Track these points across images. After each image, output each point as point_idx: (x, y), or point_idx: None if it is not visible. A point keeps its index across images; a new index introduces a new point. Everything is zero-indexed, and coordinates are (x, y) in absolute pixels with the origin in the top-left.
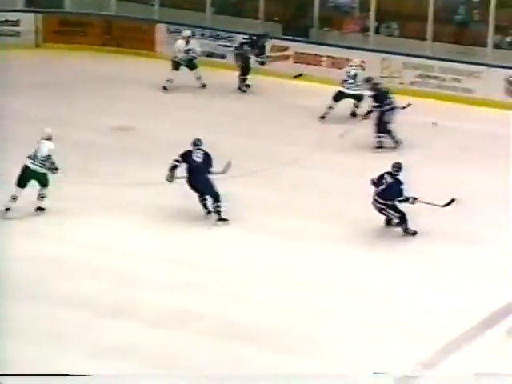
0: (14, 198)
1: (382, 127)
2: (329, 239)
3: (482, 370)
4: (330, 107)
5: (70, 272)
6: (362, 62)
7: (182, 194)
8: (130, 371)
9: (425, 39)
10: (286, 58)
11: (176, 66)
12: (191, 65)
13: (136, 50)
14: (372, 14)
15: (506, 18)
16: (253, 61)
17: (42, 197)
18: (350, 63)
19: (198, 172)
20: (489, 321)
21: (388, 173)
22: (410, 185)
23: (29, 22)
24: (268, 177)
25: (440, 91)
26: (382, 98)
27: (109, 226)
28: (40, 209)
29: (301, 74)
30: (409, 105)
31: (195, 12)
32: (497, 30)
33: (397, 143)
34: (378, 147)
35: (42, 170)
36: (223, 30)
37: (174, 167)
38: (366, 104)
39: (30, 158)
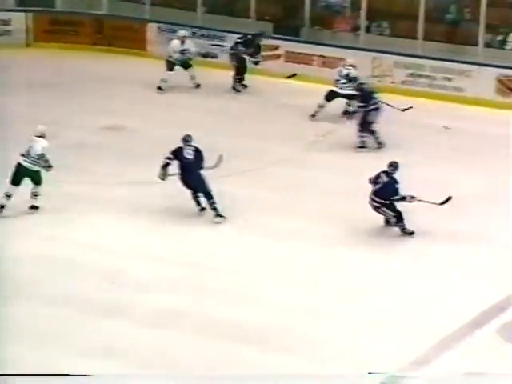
0: (9, 196)
1: (366, 127)
2: (328, 239)
3: (471, 369)
4: (321, 106)
5: (63, 271)
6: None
7: (175, 191)
8: (130, 371)
9: (416, 38)
10: (277, 57)
11: (170, 66)
12: (186, 64)
13: (127, 49)
14: (363, 13)
15: (497, 16)
16: (248, 60)
17: (35, 195)
18: (343, 63)
19: (190, 169)
20: (479, 320)
21: (384, 172)
22: (404, 184)
23: (19, 21)
24: (263, 175)
25: (431, 90)
26: (366, 98)
27: (102, 225)
28: (34, 207)
29: (295, 74)
30: (410, 107)
31: (186, 11)
32: (488, 29)
33: (380, 144)
34: (361, 147)
35: (36, 168)
36: (214, 30)
37: (166, 165)
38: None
39: (23, 155)
